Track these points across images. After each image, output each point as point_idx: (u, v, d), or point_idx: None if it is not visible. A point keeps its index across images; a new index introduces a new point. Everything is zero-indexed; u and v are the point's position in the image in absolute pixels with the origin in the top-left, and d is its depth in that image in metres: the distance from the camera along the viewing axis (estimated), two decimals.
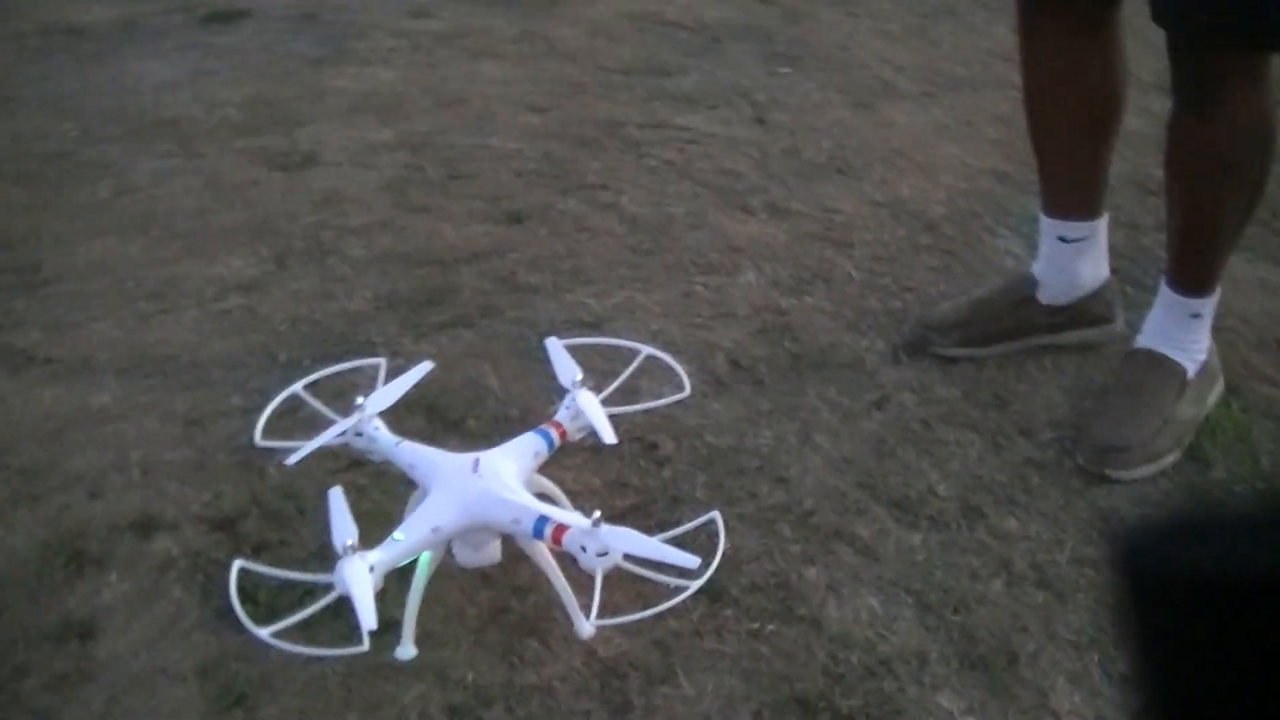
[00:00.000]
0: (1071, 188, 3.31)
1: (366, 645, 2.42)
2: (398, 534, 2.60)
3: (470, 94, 4.98)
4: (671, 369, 3.17)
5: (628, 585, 2.69)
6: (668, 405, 3.14)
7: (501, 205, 4.22)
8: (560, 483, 2.86)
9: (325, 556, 2.62)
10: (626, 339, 3.32)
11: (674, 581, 2.64)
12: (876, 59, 4.98)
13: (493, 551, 2.76)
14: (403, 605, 2.65)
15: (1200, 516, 0.60)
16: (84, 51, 5.63)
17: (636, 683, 2.58)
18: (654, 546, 2.50)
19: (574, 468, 3.03)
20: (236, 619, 2.72)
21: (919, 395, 3.27)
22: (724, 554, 2.81)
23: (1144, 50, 3.35)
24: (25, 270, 4.09)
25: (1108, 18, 3.04)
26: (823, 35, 5.21)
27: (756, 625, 2.69)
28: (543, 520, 2.56)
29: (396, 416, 2.96)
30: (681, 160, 4.38)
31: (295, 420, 3.16)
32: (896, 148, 4.35)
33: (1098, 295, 3.39)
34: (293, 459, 2.85)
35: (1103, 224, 3.36)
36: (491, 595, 2.79)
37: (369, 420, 2.86)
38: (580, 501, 2.87)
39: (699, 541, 2.79)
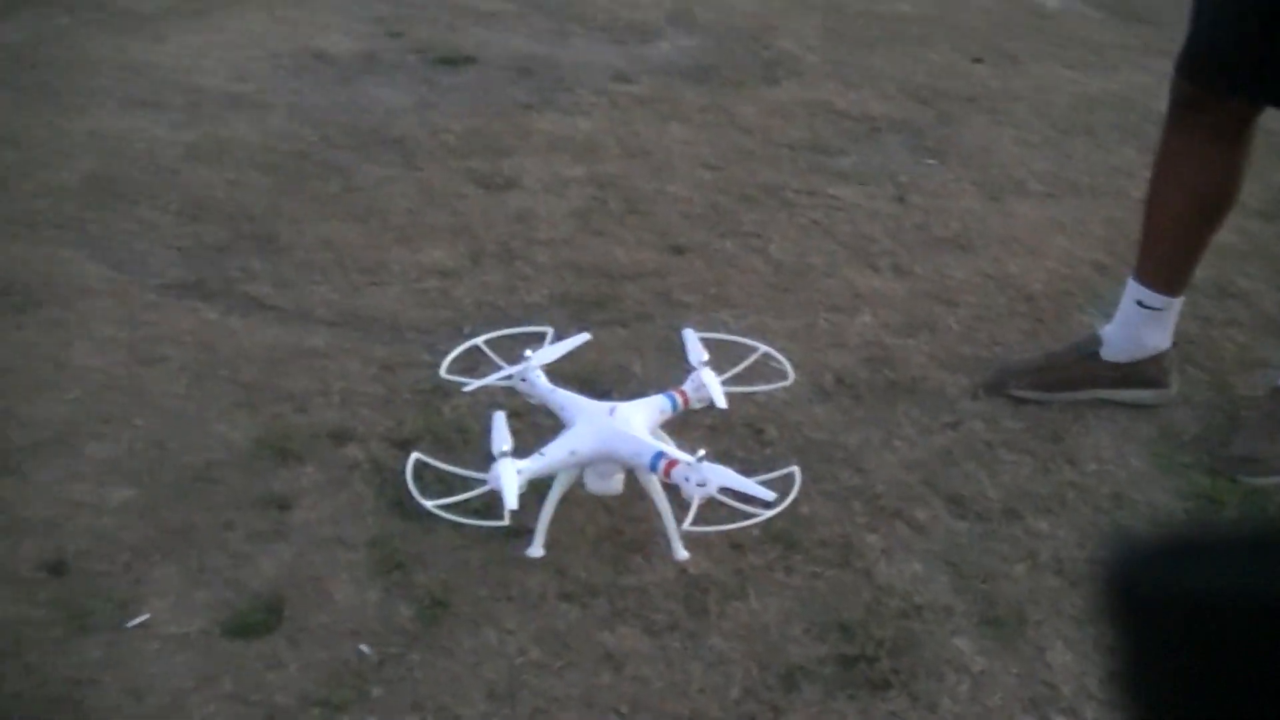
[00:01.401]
0: (1165, 264, 3.84)
1: (508, 520, 3.08)
2: (542, 452, 3.25)
3: (655, 148, 5.67)
4: (782, 367, 3.79)
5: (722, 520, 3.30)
6: (772, 391, 3.76)
7: (667, 239, 4.89)
8: (681, 448, 3.46)
9: (483, 471, 3.24)
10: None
11: (756, 512, 3.24)
12: (1012, 161, 5.57)
13: (617, 483, 3.38)
14: (538, 515, 3.29)
15: (1189, 538, 0.62)
16: (331, 74, 6.45)
17: (715, 596, 3.19)
18: (742, 480, 3.12)
19: (694, 440, 3.64)
20: (405, 509, 3.40)
21: (988, 424, 3.85)
22: (801, 515, 3.42)
23: (1254, 179, 3.86)
24: (264, 239, 4.86)
25: (1247, 124, 3.58)
26: (968, 137, 5.82)
27: (818, 569, 3.28)
28: (659, 455, 3.20)
29: (555, 383, 3.60)
30: (827, 222, 5.02)
31: (474, 375, 3.83)
32: (1014, 234, 4.94)
33: (1156, 360, 3.93)
34: (469, 387, 3.54)
35: (1178, 303, 3.90)
36: (610, 519, 3.43)
37: (533, 369, 3.53)
38: None
39: (786, 511, 3.39)
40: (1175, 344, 3.98)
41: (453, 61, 6.69)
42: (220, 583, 3.21)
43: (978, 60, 6.80)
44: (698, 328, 3.83)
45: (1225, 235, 3.87)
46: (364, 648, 3.01)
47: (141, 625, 3.09)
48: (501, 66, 6.64)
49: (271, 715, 2.84)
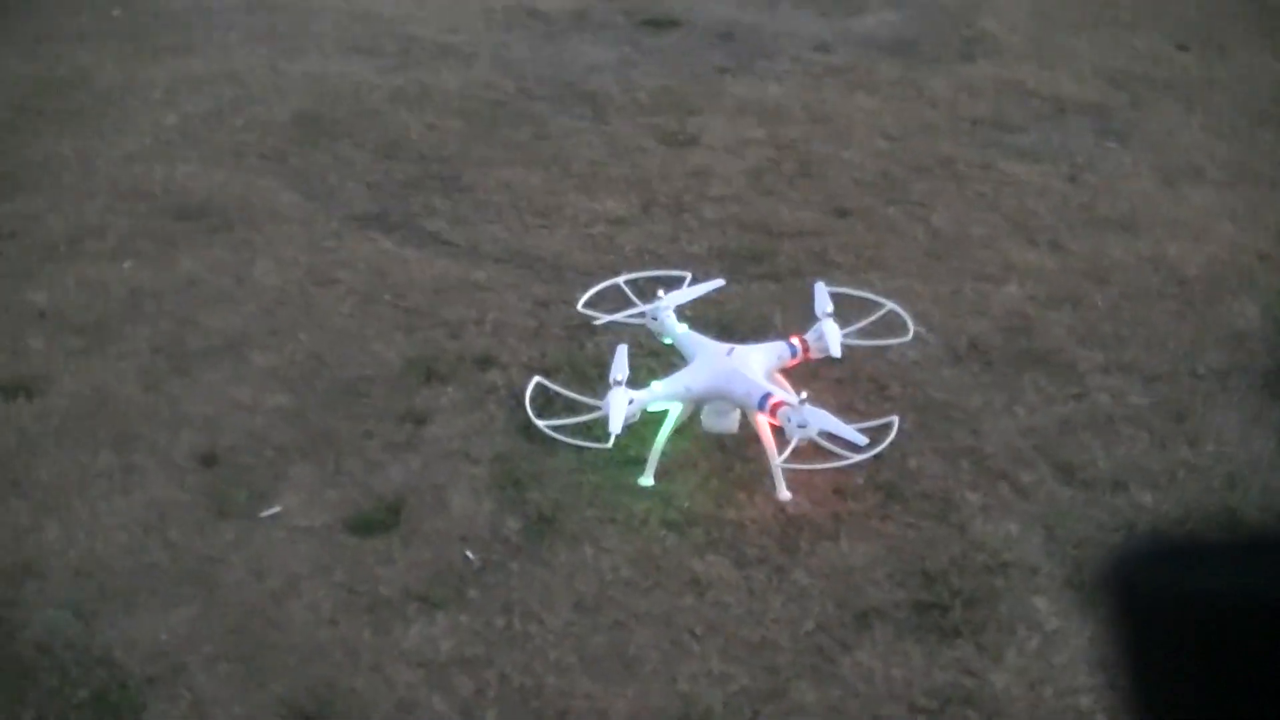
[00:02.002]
0: None
1: (611, 445, 3.23)
2: (656, 384, 3.39)
3: (838, 115, 5.74)
4: (906, 323, 3.85)
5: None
6: (892, 346, 3.83)
7: (833, 201, 4.97)
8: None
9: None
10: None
11: (847, 455, 3.33)
12: (1195, 147, 5.47)
13: (732, 422, 3.50)
14: (651, 447, 3.44)
15: (1189, 539, 0.64)
16: (539, 30, 6.67)
17: (808, 535, 3.29)
18: (839, 424, 3.20)
19: (819, 390, 3.72)
20: (531, 432, 3.57)
21: (1115, 398, 3.84)
22: (908, 468, 3.49)
23: None
24: (449, 179, 5.09)
25: None
26: (1156, 121, 5.72)
27: (914, 520, 3.35)
28: (766, 396, 3.30)
29: (696, 328, 3.72)
30: (993, 195, 5.02)
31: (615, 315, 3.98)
32: (1180, 218, 4.87)
33: None
34: (600, 320, 3.70)
35: None
36: (722, 456, 3.55)
37: (665, 308, 3.67)
38: None
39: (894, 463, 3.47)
40: None
41: (659, 24, 6.84)
42: (350, 484, 3.44)
43: (1183, 47, 6.66)
44: (842, 285, 3.92)
45: None
46: (469, 554, 3.20)
47: (273, 516, 3.34)
48: (705, 30, 6.76)
49: (374, 605, 3.05)
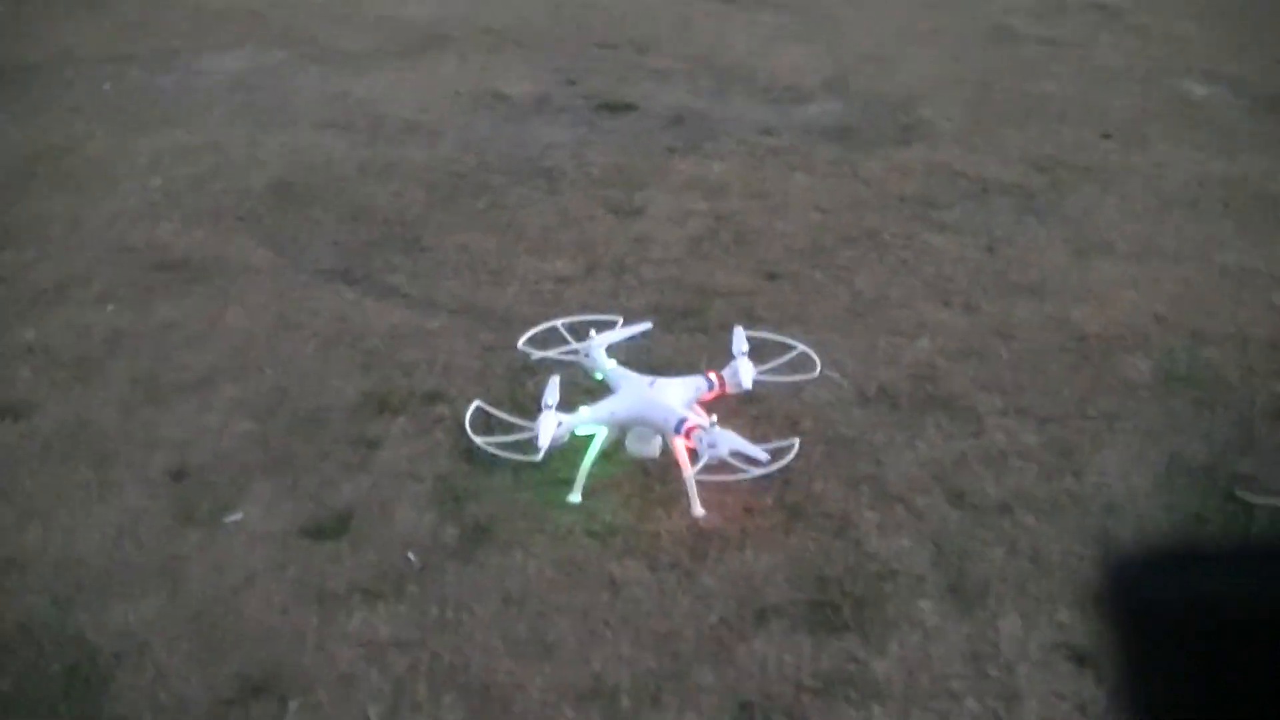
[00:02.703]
0: None
1: (540, 459, 3.57)
2: (584, 409, 3.73)
3: (776, 192, 6.12)
4: (815, 363, 4.21)
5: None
6: (799, 383, 4.17)
7: (765, 266, 5.34)
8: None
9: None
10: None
11: (757, 471, 3.65)
12: (1108, 225, 5.85)
13: (654, 448, 3.83)
14: (580, 468, 3.76)
15: (1184, 547, 0.67)
16: (503, 112, 7.07)
17: (717, 545, 3.61)
18: (744, 444, 3.54)
19: (738, 425, 4.04)
20: (473, 456, 3.90)
21: (1009, 436, 4.18)
22: (814, 491, 3.83)
23: None
24: (410, 241, 5.46)
25: None
26: (1074, 202, 6.11)
27: (815, 535, 3.67)
28: (682, 421, 3.65)
29: (630, 368, 4.06)
30: (914, 262, 5.40)
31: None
32: (1087, 285, 5.24)
33: None
34: (536, 355, 4.05)
35: None
36: (644, 479, 3.87)
37: (596, 346, 4.02)
38: None
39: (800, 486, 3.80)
40: None
41: (615, 108, 7.25)
42: (306, 497, 3.76)
43: (1106, 136, 7.08)
44: (757, 331, 4.28)
45: None
46: (411, 555, 3.52)
47: (235, 522, 3.65)
48: (658, 115, 7.17)
49: (322, 597, 3.36)
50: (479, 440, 3.80)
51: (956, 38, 8.96)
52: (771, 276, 5.25)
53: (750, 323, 4.71)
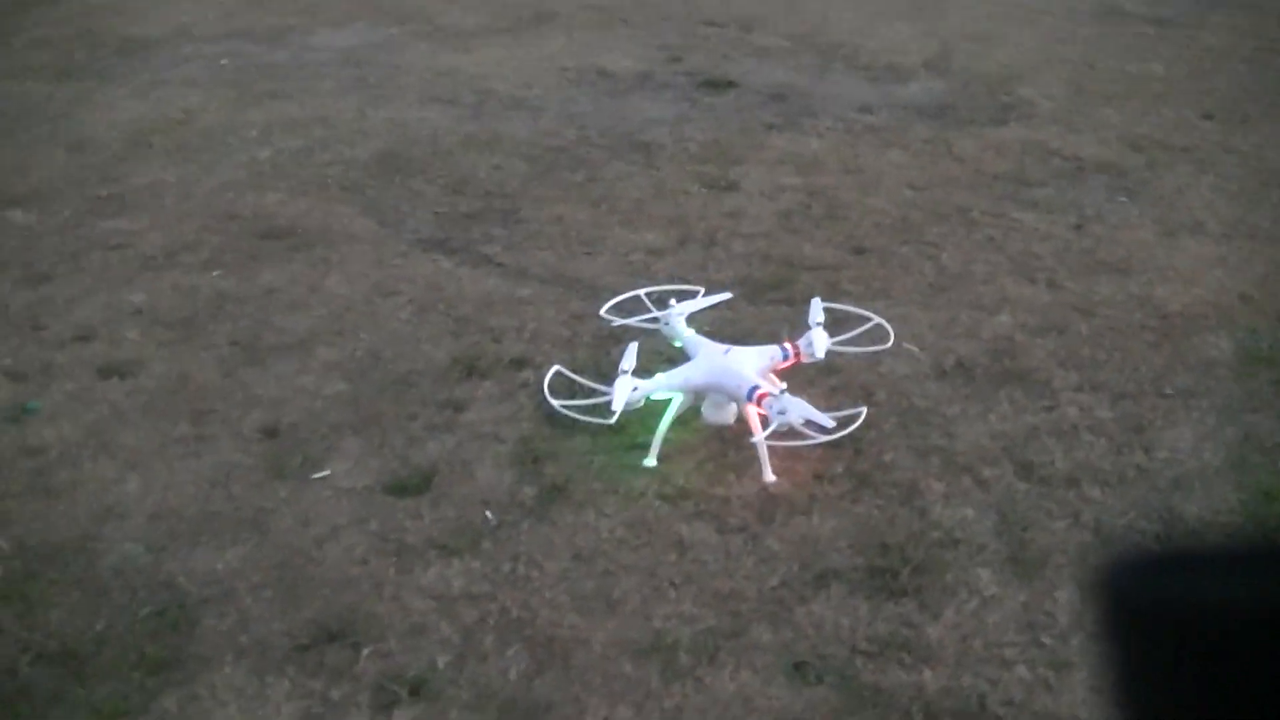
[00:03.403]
0: None
1: (614, 420, 3.65)
2: (660, 375, 3.82)
3: (869, 169, 6.15)
4: (892, 337, 4.25)
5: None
6: (873, 354, 4.21)
7: (853, 241, 5.37)
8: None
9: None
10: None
11: (824, 437, 3.70)
12: (1201, 205, 5.79)
13: (729, 415, 3.90)
14: (654, 432, 3.85)
15: (1181, 550, 0.65)
16: (606, 88, 7.16)
17: (785, 510, 3.67)
18: (812, 410, 3.60)
19: (813, 395, 4.10)
20: (555, 419, 4.00)
21: (1082, 411, 4.19)
22: (883, 460, 3.87)
23: None
24: (508, 212, 5.57)
25: None
26: (1168, 181, 6.06)
27: (881, 503, 3.72)
28: (754, 388, 3.71)
29: (712, 338, 4.12)
30: (1000, 239, 5.40)
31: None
32: (1174, 264, 5.21)
33: None
34: (615, 322, 4.14)
35: None
36: (719, 444, 3.94)
37: (675, 315, 4.10)
38: None
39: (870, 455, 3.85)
40: None
41: (717, 85, 7.31)
42: (392, 456, 3.88)
43: (1208, 116, 7.00)
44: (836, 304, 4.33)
45: None
46: (489, 513, 3.62)
47: (322, 478, 3.79)
48: (758, 92, 7.22)
49: (400, 550, 3.48)
50: (555, 403, 3.90)
51: (1063, 17, 8.88)
52: (859, 251, 5.28)
53: (834, 296, 4.76)
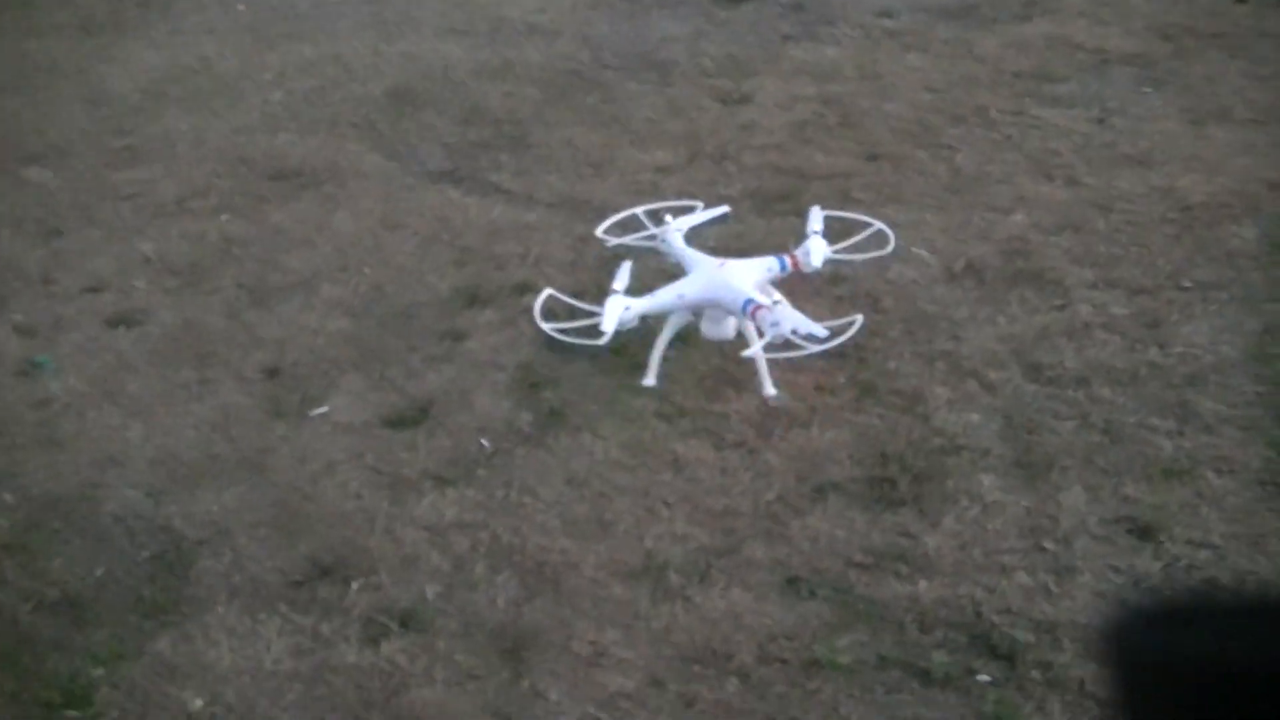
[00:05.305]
0: None
1: (605, 341, 3.57)
2: (654, 294, 3.73)
3: (887, 73, 5.99)
4: (906, 246, 4.14)
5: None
6: (875, 259, 4.10)
7: (866, 148, 5.24)
8: (803, 309, 3.78)
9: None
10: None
11: (818, 347, 3.60)
12: (1230, 91, 5.59)
13: (728, 329, 3.81)
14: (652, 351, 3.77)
15: (1190, 605, 0.64)
16: (622, 9, 7.02)
17: (783, 424, 3.59)
18: (805, 320, 3.51)
19: (818, 305, 4.01)
20: (554, 344, 3.93)
21: (1096, 309, 4.06)
22: (887, 369, 3.78)
23: None
24: (517, 139, 5.48)
25: None
26: (1197, 69, 5.86)
27: (883, 410, 3.63)
28: (749, 301, 3.62)
29: (716, 253, 4.03)
30: (1019, 138, 5.24)
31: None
32: (1199, 154, 5.03)
33: None
34: (612, 241, 4.06)
35: None
36: (719, 360, 3.86)
37: (672, 231, 4.01)
38: None
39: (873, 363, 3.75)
40: None
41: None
42: (390, 389, 3.84)
43: (1241, 1, 6.76)
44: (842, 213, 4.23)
45: None
46: (484, 441, 3.58)
47: (320, 415, 3.75)
48: (776, 2, 7.04)
49: (395, 483, 3.44)
50: (546, 326, 3.82)
51: None
52: (872, 158, 5.16)
53: (844, 204, 4.65)
